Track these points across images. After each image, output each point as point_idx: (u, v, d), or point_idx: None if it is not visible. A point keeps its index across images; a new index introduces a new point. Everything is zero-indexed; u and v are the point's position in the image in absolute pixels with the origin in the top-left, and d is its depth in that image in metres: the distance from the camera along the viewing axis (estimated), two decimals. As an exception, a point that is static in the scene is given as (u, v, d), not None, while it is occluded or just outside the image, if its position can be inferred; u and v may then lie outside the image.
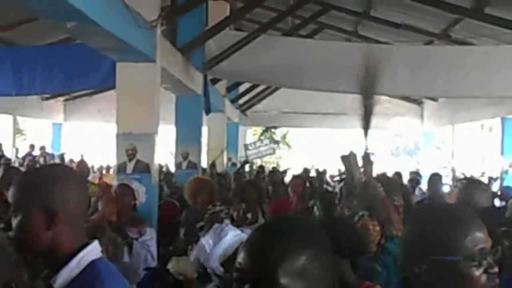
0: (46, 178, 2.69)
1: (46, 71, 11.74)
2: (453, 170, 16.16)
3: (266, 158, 22.12)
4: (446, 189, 10.64)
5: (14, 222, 2.56)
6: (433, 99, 20.41)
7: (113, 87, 9.11)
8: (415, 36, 14.40)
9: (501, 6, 10.48)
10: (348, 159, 6.35)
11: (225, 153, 17.33)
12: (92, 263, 2.54)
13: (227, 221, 6.15)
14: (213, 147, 16.24)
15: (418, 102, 22.27)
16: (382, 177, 6.44)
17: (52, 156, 18.59)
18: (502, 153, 16.58)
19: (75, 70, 11.64)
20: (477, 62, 12.33)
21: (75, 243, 2.57)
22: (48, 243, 2.55)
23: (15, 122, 21.79)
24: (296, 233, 1.80)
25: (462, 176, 13.19)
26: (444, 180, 15.82)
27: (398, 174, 13.91)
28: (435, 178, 16.11)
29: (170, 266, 5.67)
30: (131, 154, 8.54)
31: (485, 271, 2.12)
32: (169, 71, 9.72)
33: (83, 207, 2.81)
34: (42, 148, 18.79)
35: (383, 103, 22.50)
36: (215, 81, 14.24)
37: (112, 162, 9.58)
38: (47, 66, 11.72)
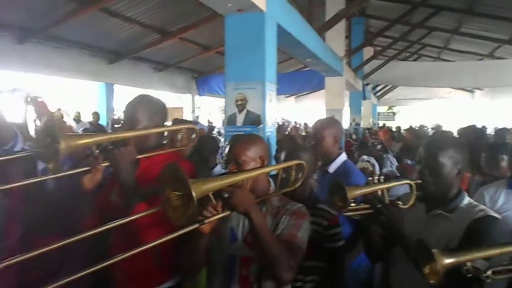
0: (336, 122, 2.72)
1: (291, 83, 11.78)
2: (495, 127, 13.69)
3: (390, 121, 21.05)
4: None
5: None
6: (479, 88, 18.10)
7: (323, 88, 9.08)
8: (470, 56, 13.01)
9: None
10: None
11: (370, 120, 16.58)
12: (345, 161, 2.56)
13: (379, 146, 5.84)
14: (365, 115, 15.38)
15: (470, 90, 19.65)
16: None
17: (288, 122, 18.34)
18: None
19: (304, 81, 11.64)
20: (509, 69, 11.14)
21: (338, 152, 2.56)
22: (335, 151, 2.56)
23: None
24: (450, 138, 1.73)
25: None
26: None
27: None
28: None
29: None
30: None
31: None
32: (348, 81, 9.65)
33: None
34: (286, 119, 17.48)
35: (454, 90, 20.41)
36: (367, 84, 13.69)
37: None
38: (292, 81, 11.77)
